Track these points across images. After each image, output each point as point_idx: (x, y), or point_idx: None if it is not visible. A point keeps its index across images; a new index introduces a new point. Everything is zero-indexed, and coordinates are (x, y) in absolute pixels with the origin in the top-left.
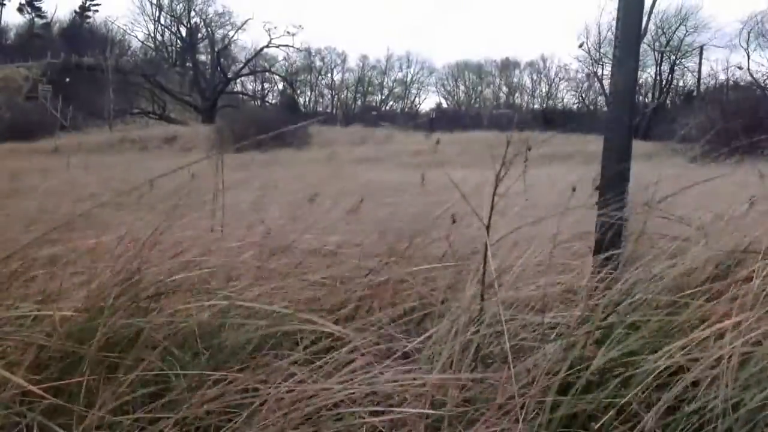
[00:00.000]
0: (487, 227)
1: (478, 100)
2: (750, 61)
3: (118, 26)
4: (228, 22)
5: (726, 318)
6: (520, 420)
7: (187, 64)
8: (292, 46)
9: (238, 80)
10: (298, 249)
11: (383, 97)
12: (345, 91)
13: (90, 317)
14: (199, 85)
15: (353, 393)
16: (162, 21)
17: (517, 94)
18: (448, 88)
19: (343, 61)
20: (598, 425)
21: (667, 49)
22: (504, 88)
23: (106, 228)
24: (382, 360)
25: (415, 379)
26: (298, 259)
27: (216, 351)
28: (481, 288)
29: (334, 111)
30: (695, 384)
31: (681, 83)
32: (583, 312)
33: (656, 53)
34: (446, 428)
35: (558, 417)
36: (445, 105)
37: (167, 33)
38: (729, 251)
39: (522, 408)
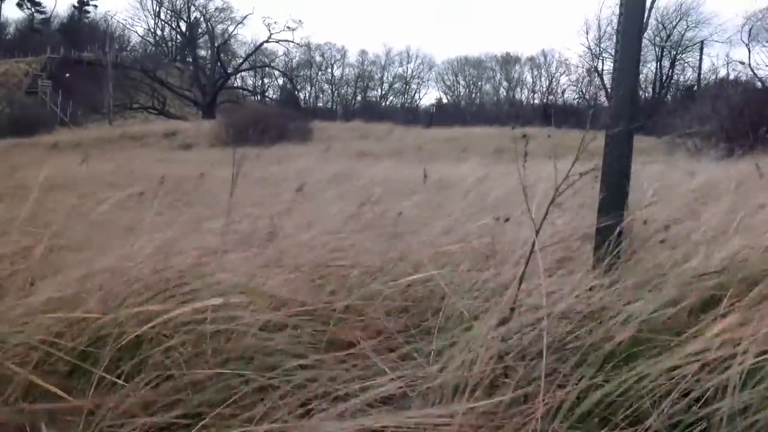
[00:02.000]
0: (537, 231)
1: (478, 95)
2: (750, 57)
3: (118, 21)
4: (228, 17)
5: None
6: (538, 420)
7: (187, 59)
8: (292, 41)
9: (238, 75)
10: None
11: (383, 93)
12: (345, 87)
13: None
14: (199, 80)
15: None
16: (162, 16)
17: (517, 89)
18: (448, 83)
19: (343, 56)
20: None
21: (668, 44)
22: (504, 83)
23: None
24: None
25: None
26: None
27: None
28: (517, 290)
29: (334, 106)
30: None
31: (681, 78)
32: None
33: (657, 48)
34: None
35: (573, 419)
36: (445, 100)
37: (167, 28)
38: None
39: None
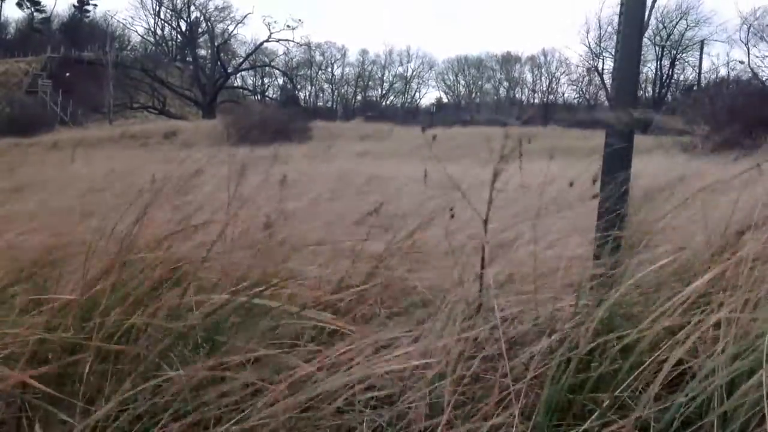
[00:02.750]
0: (485, 221)
1: (478, 94)
2: (750, 56)
3: (118, 21)
4: (228, 17)
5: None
6: (517, 412)
7: (187, 58)
8: (292, 41)
9: (238, 75)
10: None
11: (383, 92)
12: (345, 86)
13: (86, 309)
14: (199, 79)
15: (352, 386)
16: (162, 15)
17: (517, 89)
18: (449, 83)
19: (343, 55)
20: (594, 416)
21: (668, 43)
22: (505, 83)
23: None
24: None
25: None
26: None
27: (217, 345)
28: (480, 282)
29: (335, 106)
30: (693, 376)
31: (681, 77)
32: (577, 304)
33: (657, 47)
34: (444, 421)
35: (554, 408)
36: (445, 100)
37: (167, 27)
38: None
39: (518, 399)
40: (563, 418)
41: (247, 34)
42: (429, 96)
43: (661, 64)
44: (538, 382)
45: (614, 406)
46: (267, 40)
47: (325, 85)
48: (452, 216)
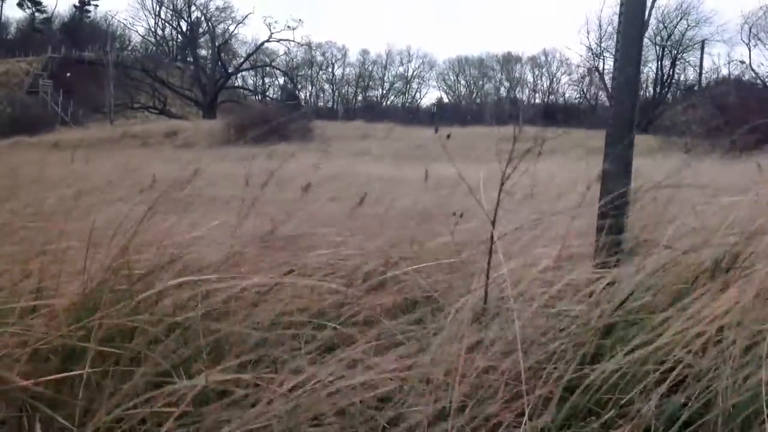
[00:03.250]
0: (493, 222)
1: (479, 94)
2: (751, 56)
3: (119, 21)
4: (229, 17)
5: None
6: (526, 415)
7: (188, 58)
8: (293, 41)
9: (238, 75)
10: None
11: (384, 92)
12: (346, 86)
13: (86, 310)
14: (200, 79)
15: (355, 387)
16: (162, 15)
17: (518, 89)
18: (449, 83)
19: (344, 55)
20: (601, 421)
21: (669, 43)
22: (505, 83)
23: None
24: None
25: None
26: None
27: (219, 346)
28: (486, 282)
29: (335, 106)
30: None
31: (682, 77)
32: (589, 309)
33: (657, 47)
34: (449, 423)
35: (563, 413)
36: (446, 100)
37: (168, 27)
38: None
39: (529, 402)
40: (568, 419)
41: (248, 34)
42: (430, 96)
43: (661, 64)
44: (541, 383)
45: (620, 407)
46: (268, 40)
47: (326, 85)
48: (461, 215)
